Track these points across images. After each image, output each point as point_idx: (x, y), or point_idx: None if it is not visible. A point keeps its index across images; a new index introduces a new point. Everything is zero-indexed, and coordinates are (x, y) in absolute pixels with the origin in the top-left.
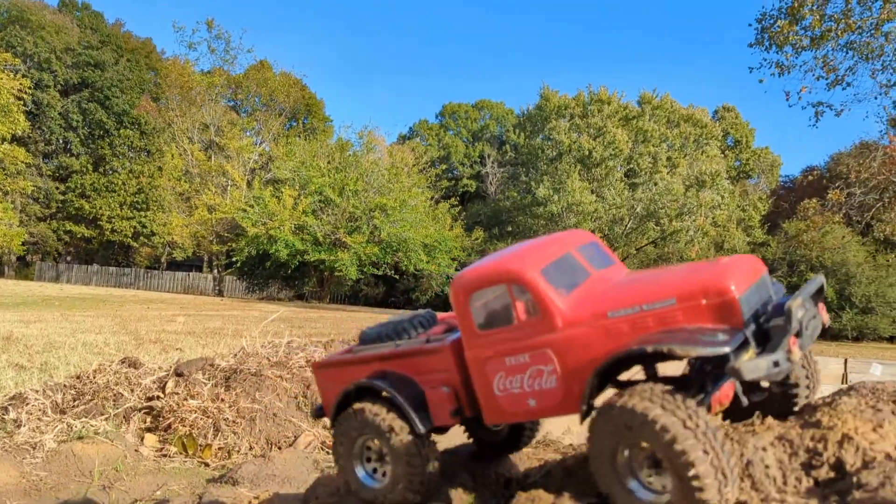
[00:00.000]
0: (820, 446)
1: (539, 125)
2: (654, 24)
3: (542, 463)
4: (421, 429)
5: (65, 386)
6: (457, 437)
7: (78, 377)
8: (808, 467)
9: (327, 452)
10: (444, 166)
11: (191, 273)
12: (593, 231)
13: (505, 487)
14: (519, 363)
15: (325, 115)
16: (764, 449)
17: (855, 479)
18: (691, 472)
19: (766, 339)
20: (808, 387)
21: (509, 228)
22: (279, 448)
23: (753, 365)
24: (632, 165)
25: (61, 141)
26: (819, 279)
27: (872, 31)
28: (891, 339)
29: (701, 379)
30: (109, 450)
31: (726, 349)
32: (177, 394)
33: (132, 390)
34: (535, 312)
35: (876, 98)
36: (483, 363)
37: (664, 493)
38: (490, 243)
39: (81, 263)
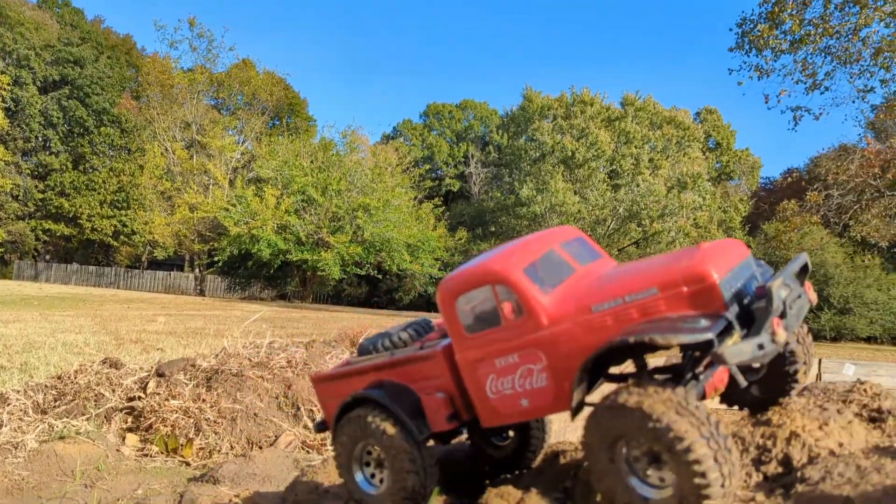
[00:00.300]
0: (769, 443)
1: (522, 126)
2: (638, 27)
3: None
4: (418, 435)
5: (46, 386)
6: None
7: (59, 377)
8: (757, 463)
9: (307, 452)
10: (427, 166)
11: (172, 272)
12: None
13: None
14: (509, 364)
15: (309, 115)
16: None
17: (799, 473)
18: (695, 467)
19: (752, 322)
20: (805, 362)
21: (493, 229)
22: (260, 448)
23: (737, 349)
24: (614, 166)
25: (40, 139)
26: (802, 257)
27: (850, 36)
28: (868, 340)
29: (693, 366)
30: (91, 449)
31: (709, 335)
32: (158, 394)
33: (113, 391)
34: (521, 312)
35: (854, 102)
36: (474, 366)
37: (664, 486)
38: (473, 243)
39: (61, 262)
